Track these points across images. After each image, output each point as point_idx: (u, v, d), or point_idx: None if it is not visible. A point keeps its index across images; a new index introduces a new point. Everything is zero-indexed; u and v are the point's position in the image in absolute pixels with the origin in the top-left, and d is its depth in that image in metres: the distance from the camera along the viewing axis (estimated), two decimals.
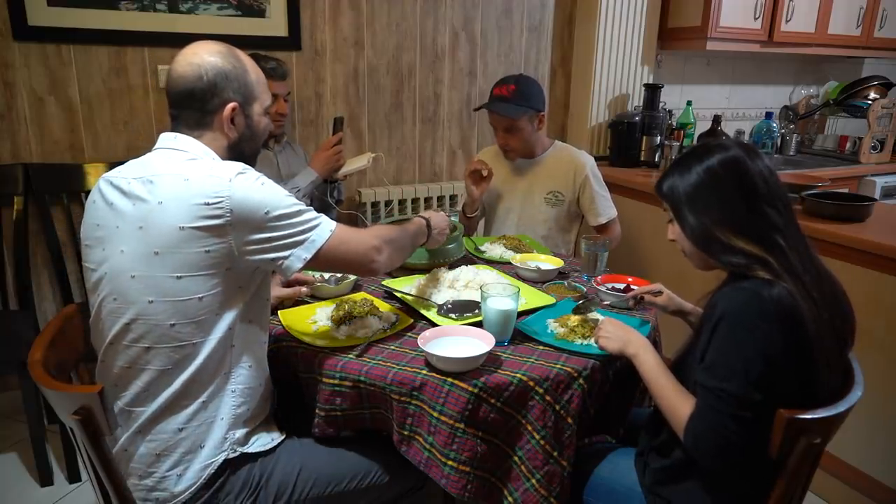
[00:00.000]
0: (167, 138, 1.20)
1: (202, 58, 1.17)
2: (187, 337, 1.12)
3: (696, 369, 1.11)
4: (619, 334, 1.27)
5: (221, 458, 1.18)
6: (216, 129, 1.20)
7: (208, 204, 1.07)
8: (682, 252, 1.23)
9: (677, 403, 1.12)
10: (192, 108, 1.18)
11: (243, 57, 1.23)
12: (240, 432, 1.20)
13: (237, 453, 1.20)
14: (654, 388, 1.18)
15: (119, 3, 2.22)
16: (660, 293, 1.49)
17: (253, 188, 1.11)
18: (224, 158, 1.21)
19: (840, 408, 1.05)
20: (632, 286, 1.64)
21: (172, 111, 1.20)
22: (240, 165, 1.14)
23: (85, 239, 1.18)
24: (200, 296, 1.10)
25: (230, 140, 1.22)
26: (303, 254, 1.16)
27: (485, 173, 2.14)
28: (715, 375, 1.06)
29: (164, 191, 1.09)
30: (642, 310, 1.53)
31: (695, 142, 3.07)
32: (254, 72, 1.24)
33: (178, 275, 1.09)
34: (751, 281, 1.07)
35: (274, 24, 2.47)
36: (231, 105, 1.19)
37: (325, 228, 1.19)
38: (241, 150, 1.25)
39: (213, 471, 1.17)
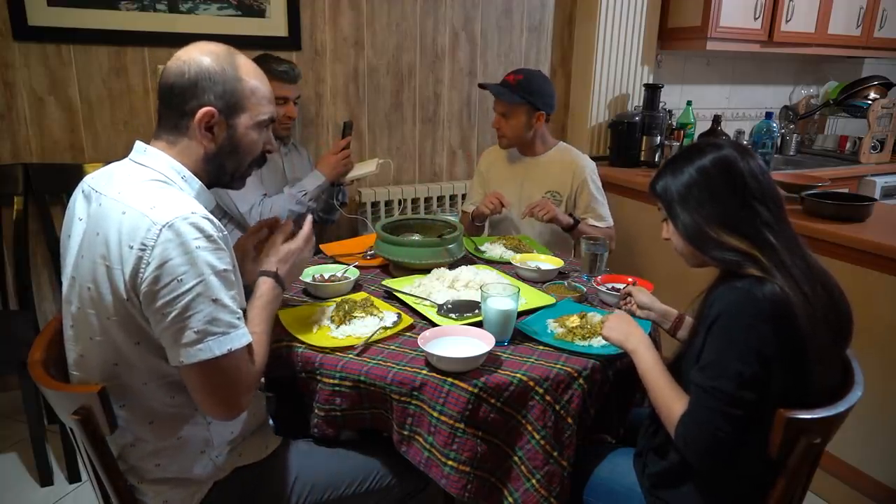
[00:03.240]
0: (138, 149, 1.13)
1: (191, 55, 1.09)
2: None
3: (692, 369, 1.11)
4: (622, 327, 1.28)
5: (210, 483, 1.15)
6: (192, 136, 1.11)
7: (131, 248, 0.97)
8: (675, 250, 1.24)
9: (670, 401, 1.12)
10: (171, 107, 1.10)
11: (243, 64, 1.12)
12: (225, 452, 1.17)
13: (227, 472, 1.17)
14: (649, 385, 1.18)
15: (119, 3, 2.22)
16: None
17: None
18: (201, 171, 1.13)
19: (840, 408, 1.05)
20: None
21: (159, 108, 1.13)
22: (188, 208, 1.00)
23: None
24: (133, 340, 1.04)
25: (207, 151, 1.12)
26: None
27: (500, 212, 2.19)
28: (709, 375, 1.06)
29: (102, 217, 1.02)
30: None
31: (695, 142, 3.07)
32: (251, 81, 1.12)
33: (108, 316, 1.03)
34: (744, 280, 1.07)
35: (274, 24, 2.47)
36: (206, 110, 1.08)
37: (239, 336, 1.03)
38: (222, 164, 1.15)
39: (201, 496, 1.15)
